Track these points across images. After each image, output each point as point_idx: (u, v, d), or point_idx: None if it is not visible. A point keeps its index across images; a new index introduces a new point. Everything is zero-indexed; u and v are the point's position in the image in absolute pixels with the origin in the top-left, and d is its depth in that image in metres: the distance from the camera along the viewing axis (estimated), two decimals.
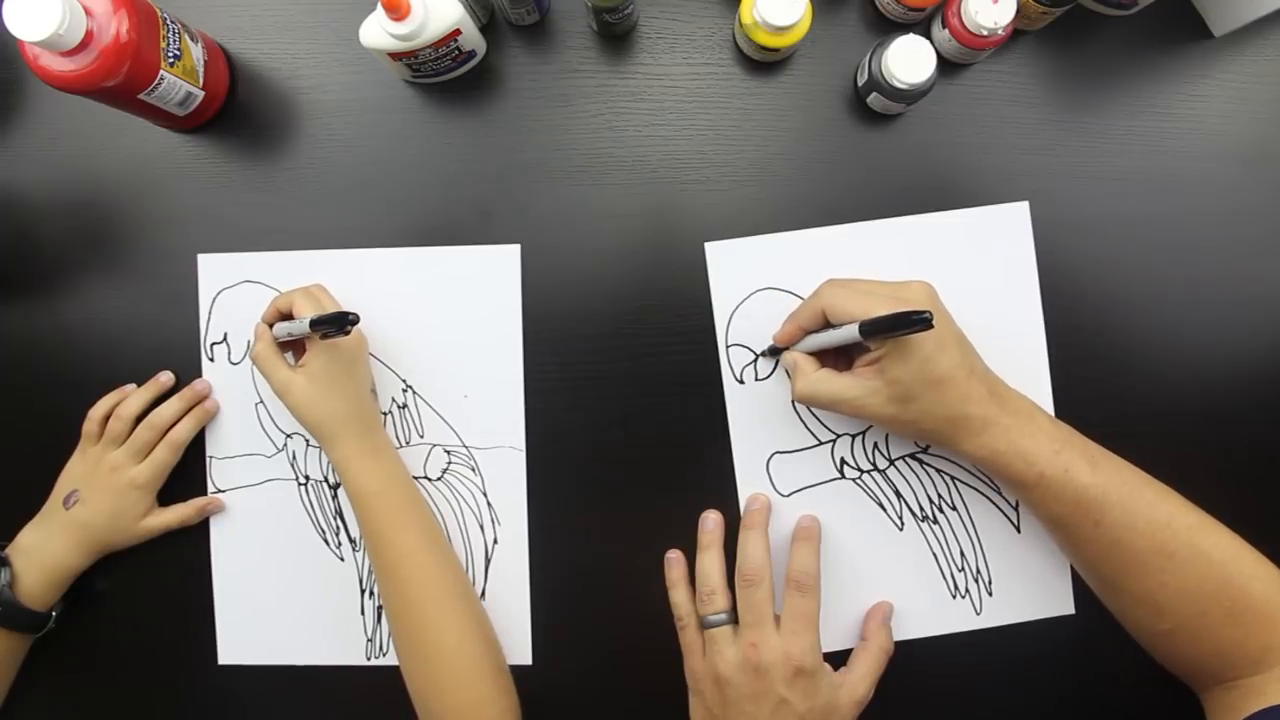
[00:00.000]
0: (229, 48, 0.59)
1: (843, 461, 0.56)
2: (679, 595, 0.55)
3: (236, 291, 0.58)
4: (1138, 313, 0.57)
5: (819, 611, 0.52)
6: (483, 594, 0.57)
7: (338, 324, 0.48)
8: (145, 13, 0.50)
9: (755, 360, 0.57)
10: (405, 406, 0.58)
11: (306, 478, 0.58)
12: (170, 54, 0.52)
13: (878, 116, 0.57)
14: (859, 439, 0.56)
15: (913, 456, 0.56)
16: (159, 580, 0.59)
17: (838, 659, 0.53)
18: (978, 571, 0.56)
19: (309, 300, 0.53)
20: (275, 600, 0.58)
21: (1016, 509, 0.56)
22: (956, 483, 0.56)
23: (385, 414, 0.58)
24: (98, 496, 0.56)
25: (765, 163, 0.58)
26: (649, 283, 0.57)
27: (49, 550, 0.55)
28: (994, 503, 0.56)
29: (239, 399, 0.58)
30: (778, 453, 0.57)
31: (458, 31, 0.52)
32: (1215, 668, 0.47)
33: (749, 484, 0.56)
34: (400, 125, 0.59)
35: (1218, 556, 0.46)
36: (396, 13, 0.49)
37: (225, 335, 0.58)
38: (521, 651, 0.57)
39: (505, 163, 0.58)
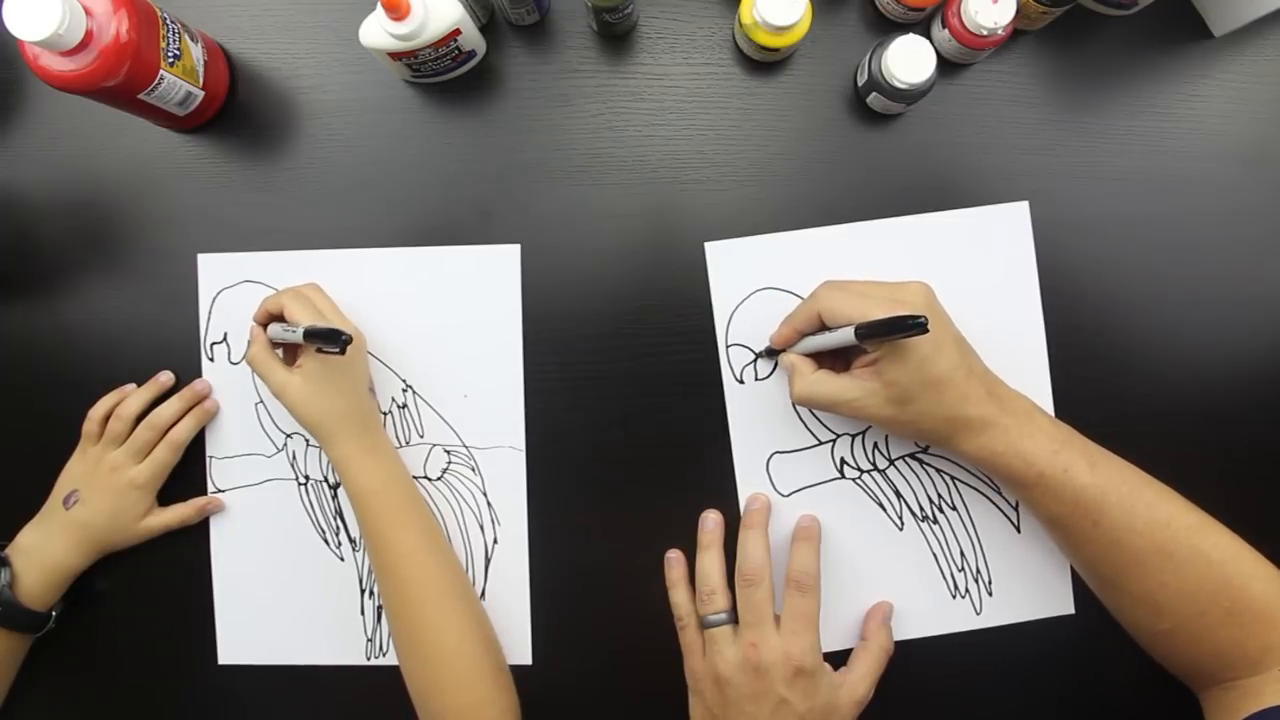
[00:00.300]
0: (229, 48, 0.59)
1: (843, 461, 0.56)
2: (679, 595, 0.55)
3: (236, 291, 0.58)
4: (1138, 313, 0.57)
5: (819, 611, 0.52)
6: (483, 594, 0.57)
7: (331, 341, 0.47)
8: (145, 13, 0.50)
9: (755, 360, 0.57)
10: (405, 406, 0.58)
11: (306, 478, 0.58)
12: (170, 54, 0.52)
13: (878, 116, 0.58)
14: (859, 439, 0.56)
15: (913, 456, 0.56)
16: (159, 580, 0.59)
17: (838, 659, 0.53)
18: (978, 571, 0.56)
19: (302, 304, 0.53)
20: (275, 600, 0.58)
21: (1016, 509, 0.56)
22: (956, 483, 0.56)
23: (385, 414, 0.58)
24: (98, 496, 0.56)
25: (765, 163, 0.58)
26: (649, 283, 0.57)
27: (49, 550, 0.55)
28: (994, 503, 0.56)
29: (239, 399, 0.58)
30: (778, 452, 0.57)
31: (458, 31, 0.52)
32: (1214, 668, 0.47)
33: (749, 484, 0.57)
34: (400, 125, 0.59)
35: (1217, 557, 0.46)
36: (396, 13, 0.49)
37: (225, 335, 0.58)
38: (521, 651, 0.57)
39: (505, 163, 0.58)
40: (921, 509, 0.56)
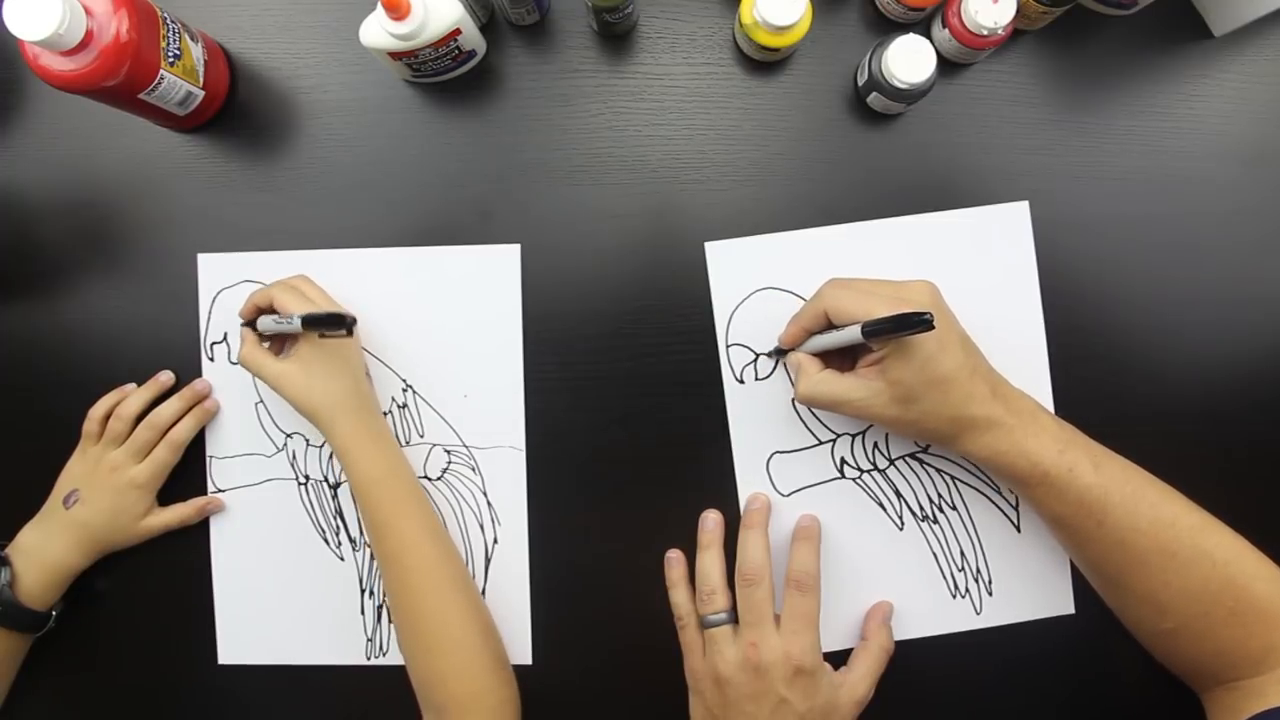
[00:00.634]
0: (229, 48, 0.59)
1: (843, 461, 0.56)
2: (679, 595, 0.55)
3: (236, 291, 0.58)
4: (1138, 313, 0.57)
5: (819, 611, 0.52)
6: (483, 593, 0.57)
7: (335, 324, 0.48)
8: (145, 12, 0.50)
9: (755, 360, 0.57)
10: (405, 406, 0.58)
11: (306, 477, 0.58)
12: (170, 54, 0.52)
13: (878, 116, 0.58)
14: (859, 439, 0.56)
15: (913, 456, 0.56)
16: (159, 580, 0.59)
17: (838, 659, 0.53)
18: (978, 571, 0.56)
19: (293, 295, 0.53)
20: (275, 600, 0.58)
21: (1016, 509, 0.56)
22: (956, 483, 0.56)
23: (385, 414, 0.58)
24: (98, 496, 0.56)
25: (765, 163, 0.58)
26: (649, 283, 0.57)
27: (49, 550, 0.55)
28: (994, 503, 0.56)
29: (239, 399, 0.58)
30: (778, 452, 0.57)
31: (458, 31, 0.52)
32: (1216, 668, 0.47)
33: (749, 484, 0.57)
34: (400, 125, 0.59)
35: (1220, 556, 0.46)
36: (396, 12, 0.49)
37: (225, 335, 0.58)
38: (522, 651, 0.57)
39: (505, 163, 0.58)
40: (921, 509, 0.56)
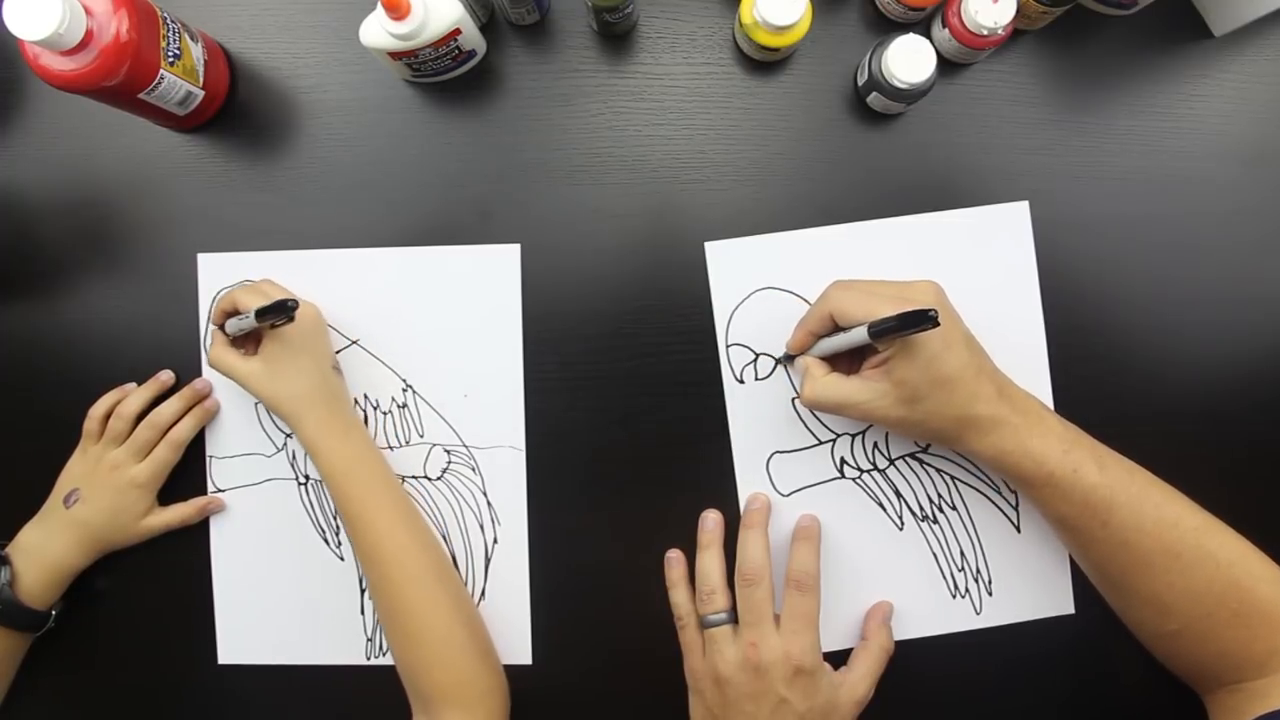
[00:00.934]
0: (229, 47, 0.59)
1: (843, 461, 0.56)
2: (679, 595, 0.55)
3: None
4: (1138, 313, 0.57)
5: (819, 611, 0.52)
6: (483, 594, 0.57)
7: (280, 312, 0.49)
8: (145, 12, 0.50)
9: (755, 360, 0.57)
10: (405, 406, 0.58)
11: (306, 477, 0.58)
12: (170, 53, 0.52)
13: (878, 116, 0.58)
14: (859, 439, 0.56)
15: (913, 456, 0.56)
16: (159, 580, 0.59)
17: (838, 659, 0.53)
18: (978, 571, 0.56)
19: (255, 295, 0.53)
20: (275, 600, 0.58)
21: (1016, 509, 0.56)
22: (956, 482, 0.56)
23: (385, 414, 0.58)
24: (98, 495, 0.56)
25: (765, 162, 0.58)
26: (649, 283, 0.57)
27: (49, 549, 0.55)
28: (994, 503, 0.56)
29: (239, 398, 0.58)
30: (778, 452, 0.57)
31: (458, 31, 0.52)
32: (1220, 670, 0.47)
33: (749, 484, 0.56)
34: (400, 125, 0.59)
35: (1224, 558, 0.46)
36: (396, 12, 0.49)
37: None
38: (521, 651, 0.57)
39: (505, 163, 0.58)
40: (921, 509, 0.56)
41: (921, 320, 0.42)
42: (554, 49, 0.58)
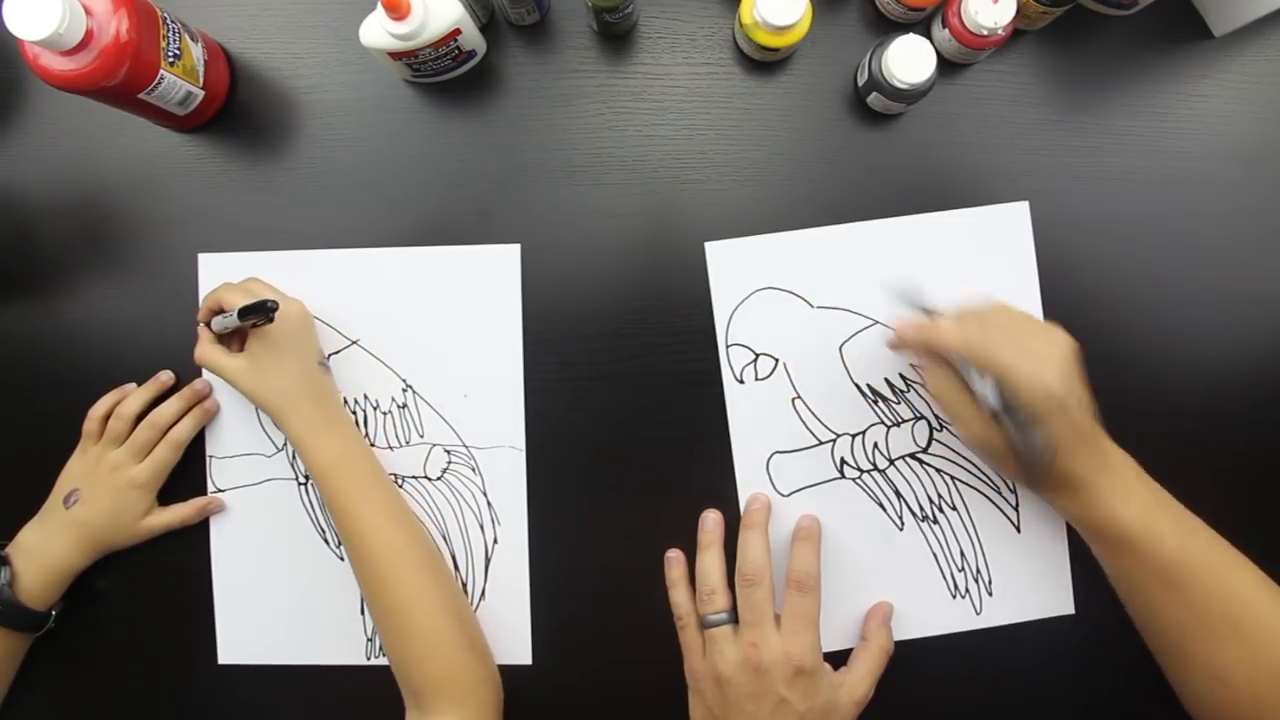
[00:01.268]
0: (229, 48, 0.59)
1: (843, 461, 0.56)
2: (679, 595, 0.55)
3: None
4: (1138, 313, 0.57)
5: (819, 611, 0.52)
6: (482, 594, 0.57)
7: (261, 312, 0.49)
8: (145, 12, 0.50)
9: (755, 360, 0.57)
10: (405, 406, 0.58)
11: (306, 477, 0.58)
12: (170, 53, 0.52)
13: (878, 116, 0.58)
14: (859, 439, 0.56)
15: (913, 456, 0.56)
16: (159, 580, 0.59)
17: (838, 659, 0.53)
18: (978, 571, 0.56)
19: (240, 293, 0.53)
20: (275, 600, 0.58)
21: (1016, 509, 0.56)
22: (956, 483, 0.56)
23: (385, 414, 0.58)
24: (98, 495, 0.56)
25: (765, 163, 0.58)
26: (649, 283, 0.57)
27: (49, 549, 0.55)
28: (994, 503, 0.56)
29: (239, 399, 0.58)
30: (778, 452, 0.57)
31: (458, 31, 0.52)
32: None
33: (749, 484, 0.56)
34: (400, 125, 0.59)
35: None
36: (396, 12, 0.49)
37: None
38: (521, 651, 0.57)
39: (505, 163, 0.58)
40: (921, 509, 0.56)
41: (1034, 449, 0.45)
42: (554, 49, 0.58)
